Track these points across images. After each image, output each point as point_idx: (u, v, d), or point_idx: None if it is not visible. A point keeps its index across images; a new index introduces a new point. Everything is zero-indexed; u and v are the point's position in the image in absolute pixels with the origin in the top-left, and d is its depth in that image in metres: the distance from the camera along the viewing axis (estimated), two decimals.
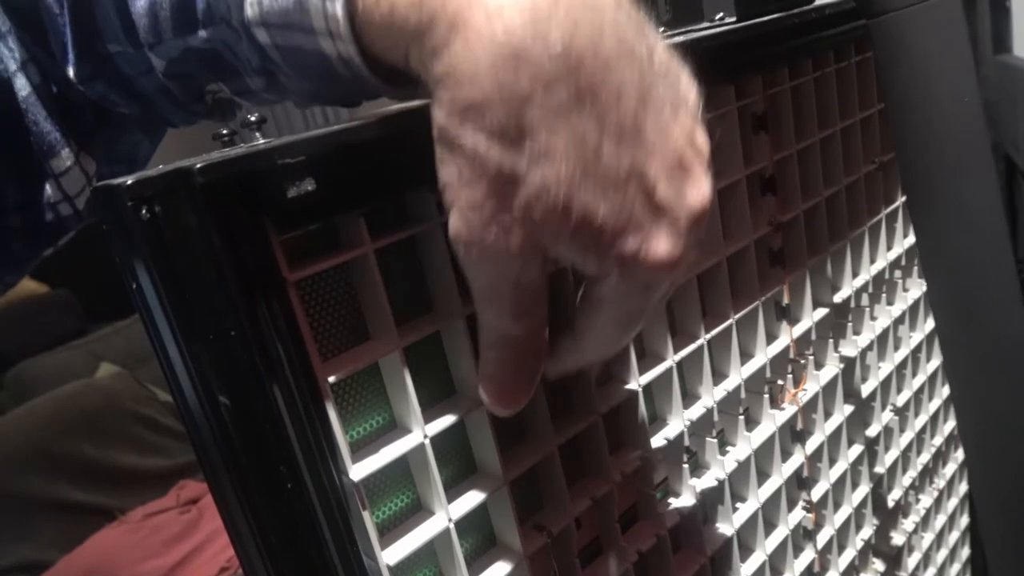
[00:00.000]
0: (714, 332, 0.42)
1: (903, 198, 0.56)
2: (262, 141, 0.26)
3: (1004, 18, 0.59)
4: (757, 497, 0.46)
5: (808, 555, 0.51)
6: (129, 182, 0.22)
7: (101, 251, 0.25)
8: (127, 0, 0.37)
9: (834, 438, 0.52)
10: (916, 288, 0.58)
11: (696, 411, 0.42)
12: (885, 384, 0.56)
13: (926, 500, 0.63)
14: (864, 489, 0.55)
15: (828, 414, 0.52)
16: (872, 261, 0.55)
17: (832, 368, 0.51)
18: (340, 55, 0.27)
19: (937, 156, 0.38)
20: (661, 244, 0.24)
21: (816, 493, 0.50)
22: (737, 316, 0.43)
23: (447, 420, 0.31)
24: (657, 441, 0.40)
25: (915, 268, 0.58)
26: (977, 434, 0.42)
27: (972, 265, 0.39)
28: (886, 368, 0.56)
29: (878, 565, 0.58)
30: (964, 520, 0.70)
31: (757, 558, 0.46)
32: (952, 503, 0.68)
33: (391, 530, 0.32)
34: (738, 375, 0.44)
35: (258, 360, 0.24)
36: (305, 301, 0.28)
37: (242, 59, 0.34)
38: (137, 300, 0.25)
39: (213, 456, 0.26)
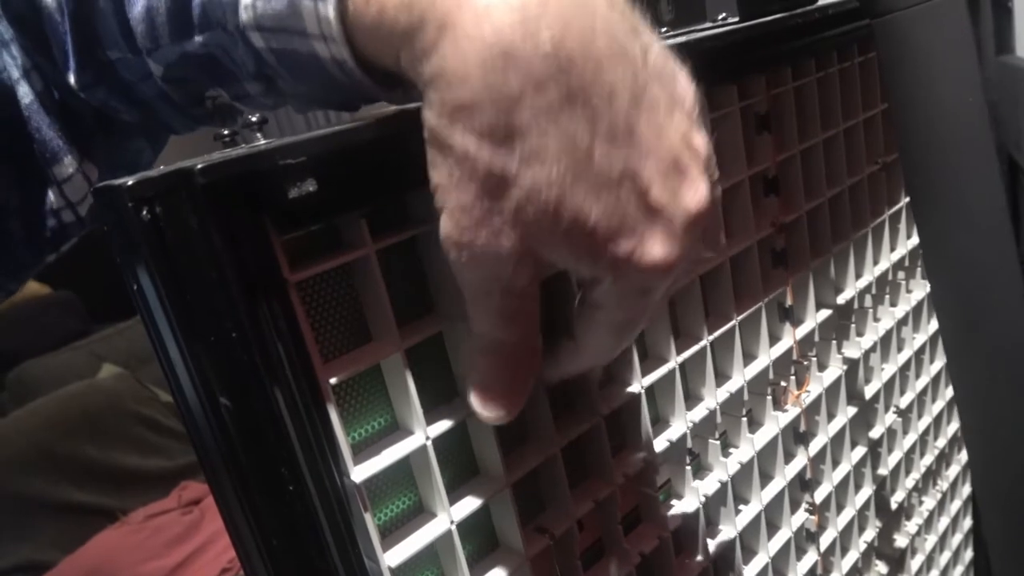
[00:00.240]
0: (717, 333, 0.42)
1: (906, 199, 0.56)
2: (263, 142, 0.26)
3: (1006, 19, 0.59)
4: (760, 499, 0.46)
5: (811, 557, 0.50)
6: (130, 183, 0.22)
7: (103, 252, 0.25)
8: (125, 6, 0.37)
9: (837, 440, 0.51)
10: (919, 289, 0.58)
11: (699, 413, 0.42)
12: (888, 386, 0.56)
13: (929, 502, 0.63)
14: (867, 491, 0.55)
15: (831, 416, 0.51)
16: (875, 262, 0.55)
17: (835, 370, 0.51)
18: (334, 57, 0.27)
19: (940, 157, 0.38)
20: (656, 247, 0.23)
21: (819, 495, 0.50)
22: (740, 317, 0.43)
23: (449, 422, 0.31)
24: (660, 443, 0.40)
25: (918, 269, 0.58)
26: (980, 436, 0.42)
27: (975, 266, 0.39)
28: (889, 370, 0.56)
29: (881, 567, 0.58)
30: (967, 522, 0.70)
31: (760, 560, 0.46)
32: (955, 505, 0.68)
33: (393, 532, 0.32)
34: (741, 376, 0.44)
35: (259, 361, 0.24)
36: (306, 302, 0.28)
37: (239, 64, 0.34)
38: (138, 301, 0.25)
39: (214, 457, 0.26)
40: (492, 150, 0.23)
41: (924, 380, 0.61)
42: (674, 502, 0.42)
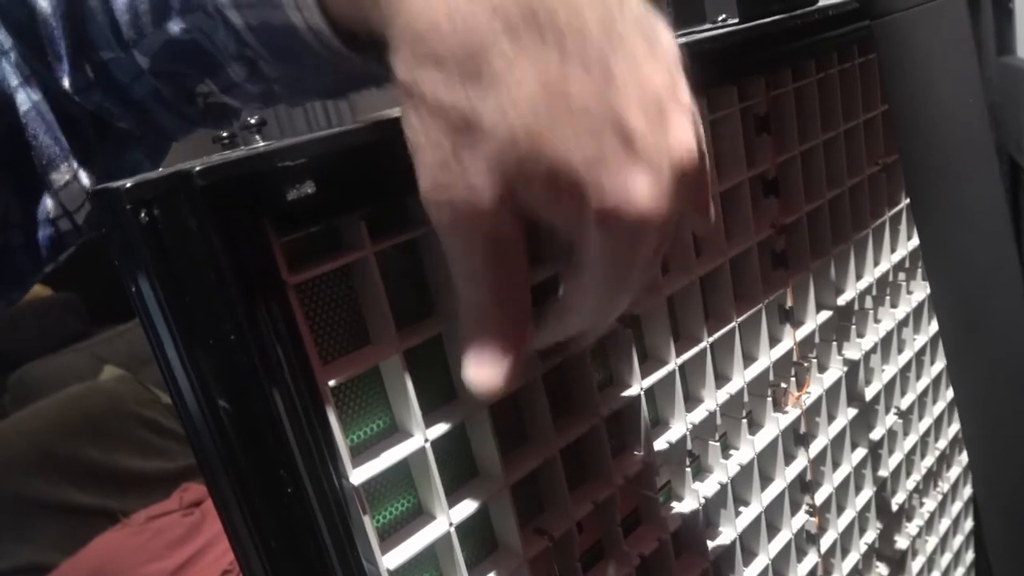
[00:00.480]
0: (717, 335, 0.42)
1: (907, 200, 0.56)
2: (262, 144, 0.26)
3: (1007, 20, 0.59)
4: (760, 501, 0.46)
5: (811, 559, 0.50)
6: (128, 185, 0.22)
7: (104, 253, 0.25)
8: (111, 2, 0.37)
9: (837, 441, 0.51)
10: (920, 290, 0.58)
11: (699, 414, 0.42)
12: (889, 387, 0.56)
13: (930, 504, 0.63)
14: (868, 493, 0.55)
15: (831, 417, 0.51)
16: (876, 263, 0.54)
17: (835, 371, 0.51)
18: (308, 25, 0.28)
19: (941, 158, 0.38)
20: (641, 191, 0.22)
21: (819, 497, 0.50)
22: (740, 319, 0.43)
23: (448, 424, 0.31)
24: (659, 444, 0.40)
25: (919, 270, 0.58)
26: (981, 437, 0.42)
27: (975, 267, 0.39)
28: (890, 371, 0.56)
29: (882, 569, 0.58)
30: (968, 524, 0.70)
31: (760, 562, 0.46)
32: (956, 507, 0.67)
33: (391, 534, 0.32)
34: (741, 378, 0.44)
35: (258, 363, 0.24)
36: (305, 304, 0.28)
37: (220, 48, 0.34)
38: (137, 303, 0.25)
39: (213, 460, 0.26)
40: (463, 94, 0.22)
41: (925, 381, 0.61)
42: (674, 504, 0.42)
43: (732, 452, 0.45)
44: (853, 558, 0.54)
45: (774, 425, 0.46)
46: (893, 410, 0.57)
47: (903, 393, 0.58)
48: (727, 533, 0.44)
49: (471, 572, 0.33)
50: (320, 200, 0.24)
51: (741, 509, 0.45)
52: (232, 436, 0.25)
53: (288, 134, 0.29)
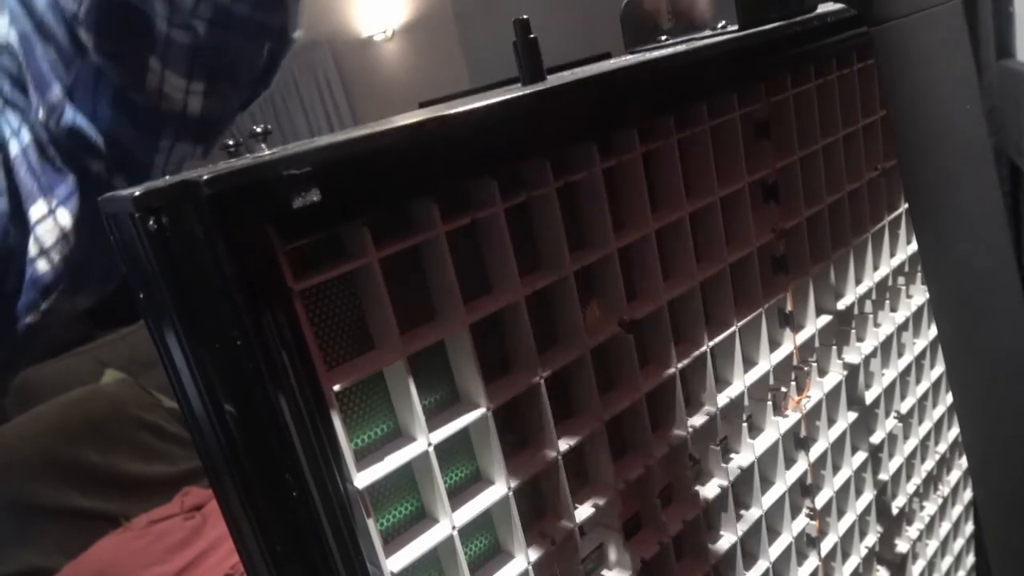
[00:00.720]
0: (717, 339, 0.42)
1: (906, 205, 0.57)
2: (267, 152, 0.26)
3: (1007, 23, 0.59)
4: (760, 504, 0.46)
5: (812, 563, 0.51)
6: (136, 193, 0.22)
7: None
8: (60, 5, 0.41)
9: (838, 445, 0.52)
10: (920, 294, 0.59)
11: (699, 418, 0.42)
12: (889, 391, 0.56)
13: (930, 507, 0.63)
14: (868, 496, 0.55)
15: (832, 421, 0.52)
16: (875, 267, 0.55)
17: (836, 375, 0.51)
18: None
19: (939, 163, 0.38)
20: None
21: (820, 500, 0.50)
22: (740, 323, 0.44)
23: (451, 428, 0.31)
24: (660, 448, 0.40)
25: (918, 274, 0.58)
26: (980, 441, 0.42)
27: (974, 271, 0.39)
28: (890, 375, 0.56)
29: (882, 573, 0.58)
30: (969, 527, 0.70)
31: (761, 566, 0.46)
32: (957, 510, 0.68)
33: (395, 538, 0.32)
34: (741, 382, 0.44)
35: (263, 369, 0.25)
36: (310, 310, 0.28)
37: None
38: (144, 309, 0.25)
39: (218, 464, 0.26)
40: None
41: (925, 385, 0.61)
42: (675, 507, 0.42)
43: (732, 456, 0.45)
44: (854, 562, 0.55)
45: (774, 429, 0.46)
46: (893, 414, 0.57)
47: (903, 397, 0.58)
48: (728, 537, 0.44)
49: (474, 575, 0.33)
50: (324, 207, 0.25)
51: (742, 512, 0.46)
52: (237, 440, 0.25)
53: (290, 140, 0.29)
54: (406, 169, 0.27)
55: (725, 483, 0.43)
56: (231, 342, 0.24)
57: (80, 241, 0.46)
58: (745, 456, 0.45)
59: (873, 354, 0.54)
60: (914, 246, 0.58)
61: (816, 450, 0.50)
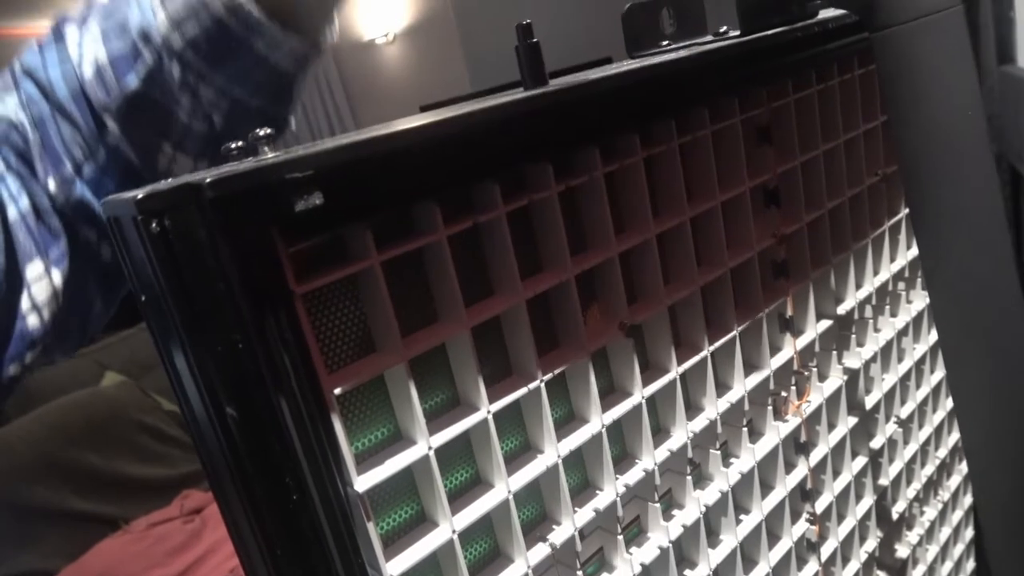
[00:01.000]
0: (718, 344, 0.42)
1: (906, 210, 0.57)
2: (271, 155, 0.26)
3: (1008, 29, 0.59)
4: (761, 509, 0.46)
5: (812, 567, 0.51)
6: (139, 196, 0.22)
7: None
8: (82, 83, 0.45)
9: (838, 450, 0.52)
10: (920, 300, 0.59)
11: (699, 423, 0.42)
12: (889, 396, 0.56)
13: (930, 512, 0.63)
14: (868, 501, 0.55)
15: (832, 426, 0.52)
16: (876, 273, 0.55)
17: (836, 380, 0.51)
18: (227, 4, 0.36)
19: (940, 168, 0.38)
20: None
21: (820, 505, 0.50)
22: (741, 328, 0.44)
23: (452, 431, 0.31)
24: (661, 452, 0.40)
25: (919, 280, 0.58)
26: (980, 447, 0.42)
27: (975, 277, 0.39)
28: (890, 380, 0.56)
29: None
30: (969, 532, 0.70)
31: (761, 570, 0.46)
32: (957, 515, 0.68)
33: (395, 541, 0.32)
34: (742, 387, 0.44)
35: (265, 372, 0.25)
36: (312, 313, 0.28)
37: (168, 88, 0.43)
38: (146, 312, 0.25)
39: (219, 467, 0.26)
40: None
41: (925, 390, 0.61)
42: (675, 512, 0.42)
43: (733, 460, 0.45)
44: (853, 566, 0.55)
45: (774, 433, 0.46)
46: (893, 419, 0.57)
47: (903, 402, 0.58)
48: (728, 541, 0.44)
49: None
50: (327, 210, 0.25)
51: (742, 517, 0.46)
52: (239, 443, 0.25)
53: (292, 143, 0.29)
54: (408, 173, 0.27)
55: (725, 487, 0.43)
56: (233, 344, 0.24)
57: (66, 301, 0.50)
58: (745, 460, 0.45)
59: (873, 359, 0.54)
60: (914, 251, 0.58)
61: (816, 455, 0.50)
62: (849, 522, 0.54)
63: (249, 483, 0.25)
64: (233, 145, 0.27)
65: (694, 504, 0.42)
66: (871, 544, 0.56)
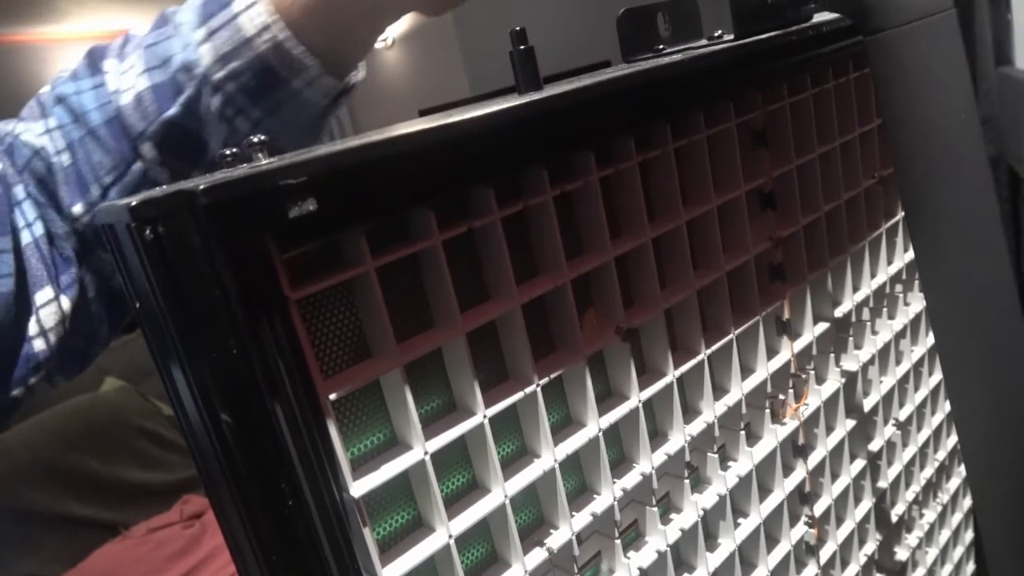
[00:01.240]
0: (715, 347, 0.42)
1: (902, 212, 0.57)
2: (265, 161, 0.26)
3: (1005, 30, 0.59)
4: (759, 512, 0.46)
5: (811, 571, 0.50)
6: (133, 203, 0.22)
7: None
8: (119, 110, 0.47)
9: (836, 453, 0.52)
10: (917, 302, 0.59)
11: (697, 426, 0.42)
12: (887, 398, 0.56)
13: (930, 515, 0.63)
14: (867, 504, 0.55)
15: (830, 429, 0.52)
16: (873, 275, 0.55)
17: (833, 382, 0.51)
18: (274, 43, 0.38)
19: (935, 170, 0.38)
20: None
21: (818, 508, 0.50)
22: (738, 331, 0.44)
23: (448, 436, 0.31)
24: (658, 456, 0.40)
25: (916, 282, 0.58)
26: (979, 448, 0.42)
27: (971, 279, 0.39)
28: (888, 382, 0.56)
29: None
30: (968, 535, 0.70)
31: (759, 574, 0.46)
32: (956, 518, 0.68)
33: (392, 547, 0.32)
34: (739, 390, 0.44)
35: (260, 377, 0.25)
36: (307, 319, 0.28)
37: (204, 117, 0.45)
38: (141, 319, 0.25)
39: (215, 473, 0.26)
40: None
41: (923, 392, 0.61)
42: (673, 515, 0.42)
43: (731, 464, 0.45)
44: (853, 570, 0.54)
45: (772, 437, 0.46)
46: (891, 421, 0.57)
47: (901, 404, 0.58)
48: (726, 545, 0.44)
49: None
50: (321, 216, 0.25)
51: (740, 520, 0.46)
52: (234, 449, 0.25)
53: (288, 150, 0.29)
54: (403, 178, 0.27)
55: (723, 491, 0.43)
56: (228, 351, 0.24)
57: (72, 326, 0.51)
58: (743, 464, 0.45)
59: (871, 362, 0.54)
60: (911, 254, 0.58)
61: (814, 458, 0.50)
62: (848, 525, 0.54)
63: (244, 489, 0.25)
64: (227, 152, 0.27)
65: (692, 508, 0.42)
66: (870, 547, 0.56)
